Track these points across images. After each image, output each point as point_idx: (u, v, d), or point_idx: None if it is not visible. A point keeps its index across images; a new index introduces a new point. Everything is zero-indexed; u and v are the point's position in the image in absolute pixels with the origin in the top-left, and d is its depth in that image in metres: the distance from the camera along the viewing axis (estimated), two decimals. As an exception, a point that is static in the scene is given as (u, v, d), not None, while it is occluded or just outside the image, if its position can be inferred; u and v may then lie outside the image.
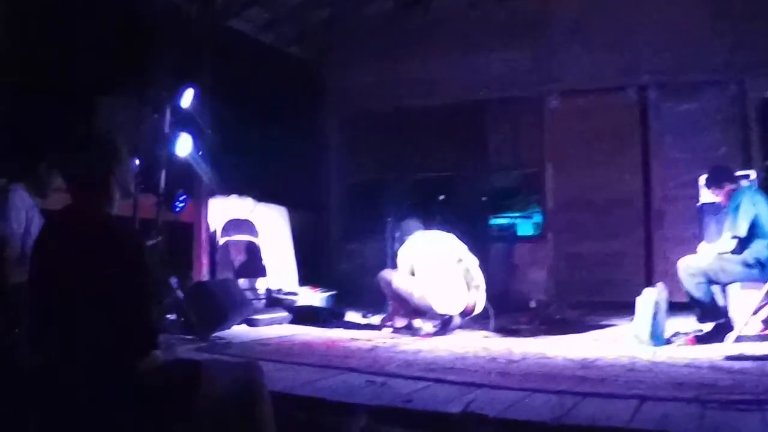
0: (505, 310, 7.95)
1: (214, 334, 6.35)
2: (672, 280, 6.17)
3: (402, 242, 7.23)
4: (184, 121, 7.03)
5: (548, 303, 8.56)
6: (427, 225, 7.45)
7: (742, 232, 5.90)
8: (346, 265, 10.52)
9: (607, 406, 3.55)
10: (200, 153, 7.13)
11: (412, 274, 6.92)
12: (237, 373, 2.93)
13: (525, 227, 10.38)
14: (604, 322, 7.42)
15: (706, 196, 7.33)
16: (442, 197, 9.85)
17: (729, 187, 6.24)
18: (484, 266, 7.28)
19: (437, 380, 4.28)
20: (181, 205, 7.07)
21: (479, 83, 10.13)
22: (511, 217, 10.43)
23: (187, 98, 7.02)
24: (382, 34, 10.52)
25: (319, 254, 10.65)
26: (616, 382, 4.25)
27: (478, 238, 8.99)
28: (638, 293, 6.08)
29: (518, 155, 10.22)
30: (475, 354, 5.51)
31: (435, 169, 10.62)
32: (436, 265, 6.86)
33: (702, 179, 7.42)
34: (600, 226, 9.23)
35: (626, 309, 6.83)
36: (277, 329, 7.24)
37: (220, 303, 6.64)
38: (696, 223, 7.39)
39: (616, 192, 9.23)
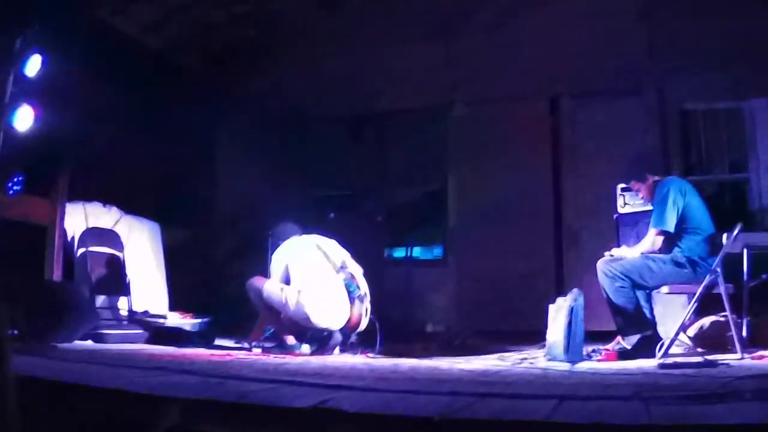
0: (399, 338, 6.94)
1: (50, 344, 5.15)
2: (589, 306, 5.17)
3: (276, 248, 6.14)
4: (29, 92, 5.98)
5: (449, 329, 7.55)
6: (306, 229, 6.37)
7: (671, 225, 5.05)
8: (229, 290, 9.27)
9: (515, 406, 2.54)
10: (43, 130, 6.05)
11: (287, 283, 5.83)
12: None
13: (425, 253, 9.39)
14: (511, 349, 6.43)
15: (624, 205, 6.62)
16: (332, 215, 8.74)
17: (653, 179, 5.39)
18: (379, 292, 6.34)
19: (291, 382, 3.18)
20: (16, 188, 5.93)
21: (382, 91, 9.19)
22: (410, 248, 9.34)
23: (34, 66, 5.97)
24: (283, 38, 9.54)
25: (199, 277, 9.43)
26: (527, 386, 3.24)
27: (373, 261, 7.99)
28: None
29: (420, 170, 9.30)
30: (353, 365, 4.43)
31: (330, 184, 9.56)
32: (314, 271, 5.78)
33: (619, 188, 6.69)
34: (507, 247, 8.27)
35: (536, 337, 5.90)
36: (128, 347, 6.02)
37: (58, 306, 5.47)
38: (614, 241, 6.53)
39: (525, 209, 8.29)
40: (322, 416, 2.33)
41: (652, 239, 5.12)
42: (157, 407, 2.53)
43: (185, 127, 8.74)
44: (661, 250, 5.12)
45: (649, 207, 5.80)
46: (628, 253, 5.19)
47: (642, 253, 5.12)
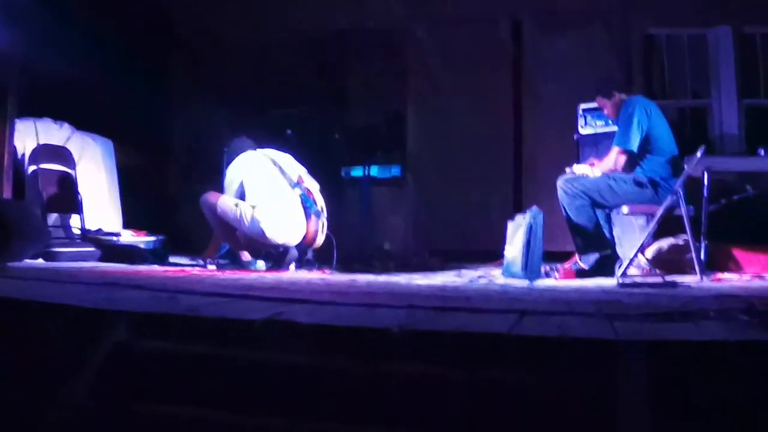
0: (356, 256, 6.87)
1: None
2: (545, 228, 5.11)
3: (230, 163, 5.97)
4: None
5: (406, 248, 7.50)
6: (261, 143, 6.20)
7: (634, 145, 4.98)
8: (186, 210, 9.09)
9: (476, 320, 2.46)
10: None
11: (242, 198, 5.68)
12: None
13: (383, 172, 9.24)
14: (468, 267, 6.38)
15: (585, 126, 6.56)
16: (289, 132, 8.53)
17: (619, 96, 5.28)
18: (336, 210, 6.27)
19: (245, 296, 3.07)
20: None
21: (341, 11, 8.90)
22: (368, 167, 9.17)
23: None
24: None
25: (156, 197, 9.23)
26: (487, 302, 3.17)
27: (330, 179, 7.86)
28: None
29: (380, 91, 9.07)
30: (309, 281, 4.35)
31: (287, 102, 9.30)
32: (269, 186, 5.64)
33: (581, 108, 6.62)
34: (465, 172, 8.16)
35: (493, 257, 5.88)
36: (81, 265, 5.87)
37: (7, 225, 5.26)
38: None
39: (485, 134, 8.17)
40: (275, 328, 2.23)
41: (614, 158, 5.05)
42: (103, 322, 2.41)
43: (140, 47, 8.47)
44: (624, 168, 5.06)
45: (610, 128, 5.75)
46: (589, 170, 5.11)
47: (603, 172, 5.06)
